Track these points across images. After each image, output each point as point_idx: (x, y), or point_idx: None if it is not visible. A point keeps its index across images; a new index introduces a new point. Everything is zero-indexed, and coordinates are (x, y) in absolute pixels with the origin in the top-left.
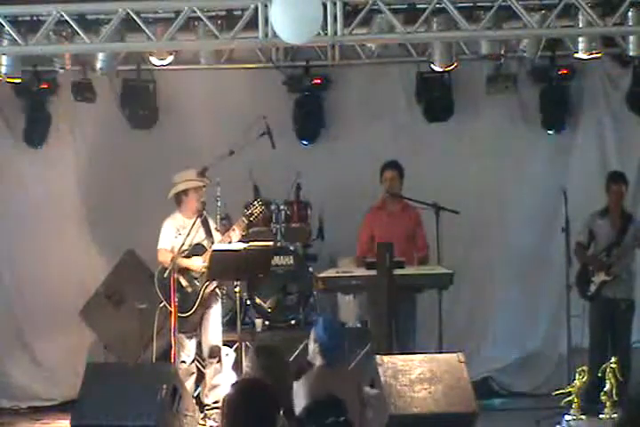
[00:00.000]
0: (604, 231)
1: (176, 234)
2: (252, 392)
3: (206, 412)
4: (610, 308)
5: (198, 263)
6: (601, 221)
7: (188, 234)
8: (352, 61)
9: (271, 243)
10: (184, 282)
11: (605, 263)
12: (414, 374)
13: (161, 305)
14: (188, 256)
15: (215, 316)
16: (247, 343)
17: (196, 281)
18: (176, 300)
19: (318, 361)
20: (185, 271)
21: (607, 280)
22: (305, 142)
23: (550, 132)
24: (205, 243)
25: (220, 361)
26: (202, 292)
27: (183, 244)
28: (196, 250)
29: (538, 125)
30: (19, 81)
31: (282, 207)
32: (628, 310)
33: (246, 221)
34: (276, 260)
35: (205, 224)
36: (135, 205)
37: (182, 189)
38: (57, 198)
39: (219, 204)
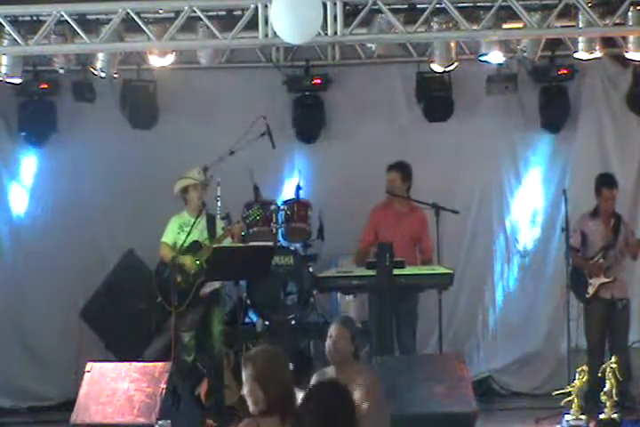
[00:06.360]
0: (596, 232)
1: (179, 230)
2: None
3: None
4: (607, 308)
5: (190, 260)
6: (592, 222)
7: (190, 232)
8: (352, 61)
9: (271, 243)
10: (179, 277)
11: (603, 266)
12: (414, 374)
13: (158, 300)
14: (185, 253)
15: (216, 316)
16: (247, 344)
17: (190, 277)
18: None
19: None
20: (181, 267)
21: (606, 282)
22: (310, 142)
23: (550, 132)
24: (206, 242)
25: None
26: (195, 288)
27: (184, 241)
28: (193, 247)
29: (538, 125)
30: (19, 81)
31: (282, 207)
32: (625, 309)
33: (243, 224)
34: (276, 260)
35: (211, 224)
36: (135, 205)
37: (181, 187)
38: (56, 198)
39: (219, 204)
